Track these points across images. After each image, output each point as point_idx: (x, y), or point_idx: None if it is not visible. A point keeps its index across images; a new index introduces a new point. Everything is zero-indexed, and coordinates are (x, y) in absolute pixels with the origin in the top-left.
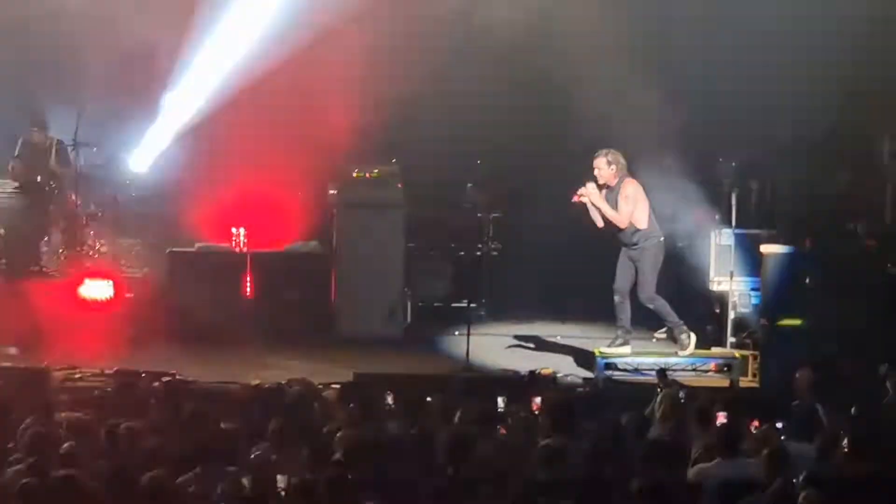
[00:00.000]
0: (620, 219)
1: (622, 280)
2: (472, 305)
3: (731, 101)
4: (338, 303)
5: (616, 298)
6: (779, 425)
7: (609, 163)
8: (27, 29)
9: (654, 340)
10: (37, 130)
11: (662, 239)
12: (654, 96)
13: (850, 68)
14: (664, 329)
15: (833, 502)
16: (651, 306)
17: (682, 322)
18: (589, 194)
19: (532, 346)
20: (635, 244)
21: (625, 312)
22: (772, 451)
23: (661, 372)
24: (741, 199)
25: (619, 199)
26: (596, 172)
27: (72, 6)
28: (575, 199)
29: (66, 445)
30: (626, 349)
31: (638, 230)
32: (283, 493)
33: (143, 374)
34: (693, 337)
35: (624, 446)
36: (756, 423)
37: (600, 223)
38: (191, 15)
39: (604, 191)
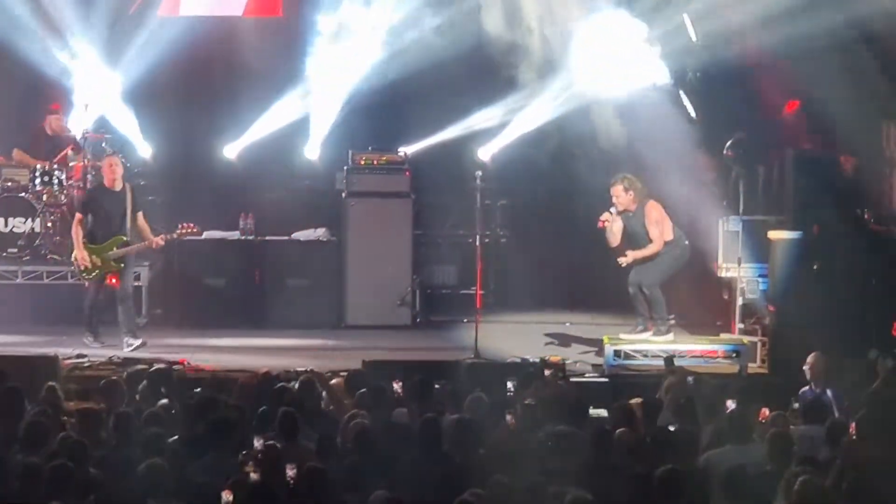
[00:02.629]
0: (656, 248)
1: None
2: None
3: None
4: (346, 290)
5: (630, 290)
6: (795, 406)
7: (626, 189)
8: None
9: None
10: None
11: (687, 242)
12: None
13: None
14: (672, 315)
15: (835, 485)
16: (647, 293)
17: (669, 318)
18: (631, 257)
19: (541, 333)
20: (660, 254)
21: (640, 302)
22: (774, 436)
23: (669, 359)
24: (748, 185)
25: (648, 225)
26: (614, 200)
27: None
28: (600, 224)
29: (69, 433)
30: (647, 335)
31: (665, 243)
32: (291, 481)
33: (152, 362)
34: (671, 336)
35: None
36: (765, 409)
37: (615, 243)
38: None
39: (620, 215)
